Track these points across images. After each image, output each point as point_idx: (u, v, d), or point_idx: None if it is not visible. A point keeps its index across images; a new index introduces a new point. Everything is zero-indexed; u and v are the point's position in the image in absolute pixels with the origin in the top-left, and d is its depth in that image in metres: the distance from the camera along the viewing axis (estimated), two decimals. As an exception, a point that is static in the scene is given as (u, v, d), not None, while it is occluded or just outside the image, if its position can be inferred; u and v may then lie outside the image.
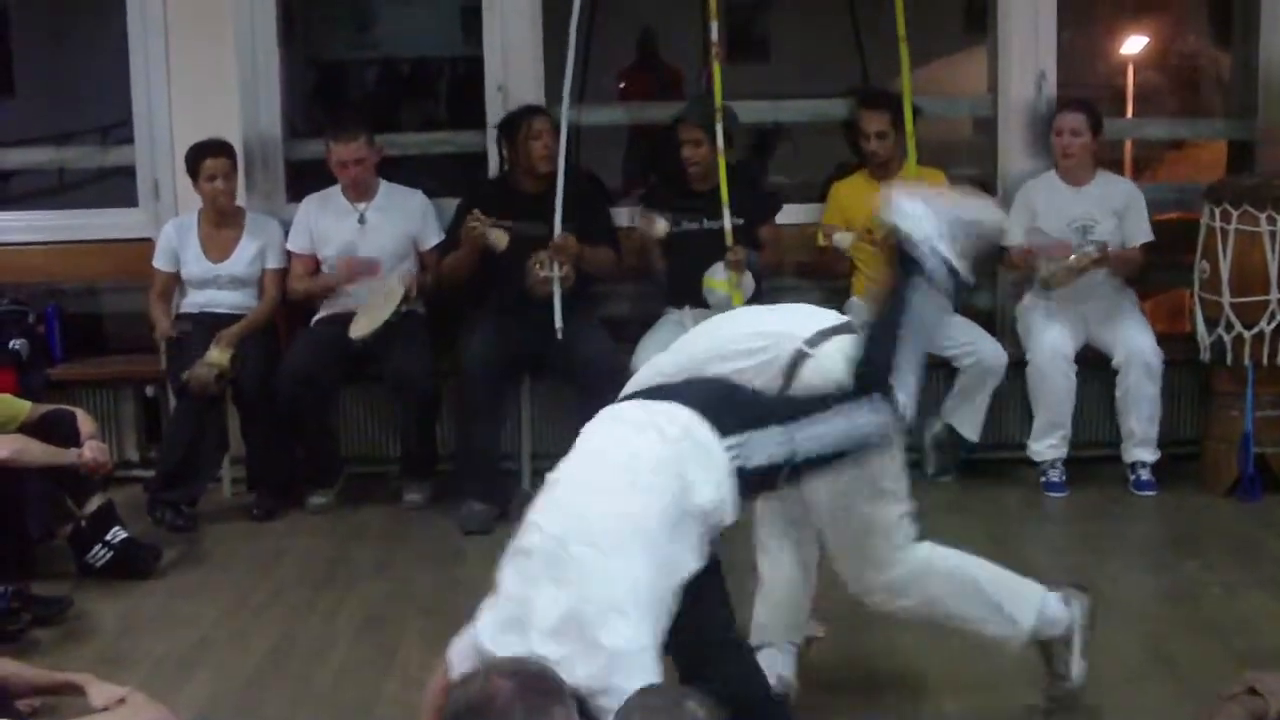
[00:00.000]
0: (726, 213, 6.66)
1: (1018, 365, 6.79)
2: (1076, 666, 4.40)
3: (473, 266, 6.67)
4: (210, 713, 4.62)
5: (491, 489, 6.56)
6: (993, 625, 4.37)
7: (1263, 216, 6.40)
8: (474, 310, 6.86)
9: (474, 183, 7.25)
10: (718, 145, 6.72)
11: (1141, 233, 6.84)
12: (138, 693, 3.70)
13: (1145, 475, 6.67)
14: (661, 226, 6.78)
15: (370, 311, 6.62)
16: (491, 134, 7.08)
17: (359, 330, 6.58)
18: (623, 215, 7.16)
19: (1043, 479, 6.73)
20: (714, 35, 6.83)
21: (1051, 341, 6.64)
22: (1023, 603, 4.37)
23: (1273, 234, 6.39)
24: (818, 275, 7.20)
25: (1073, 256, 6.63)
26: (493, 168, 7.14)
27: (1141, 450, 6.67)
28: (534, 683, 2.58)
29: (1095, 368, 6.79)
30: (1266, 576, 5.64)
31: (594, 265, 6.75)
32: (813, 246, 7.02)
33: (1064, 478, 6.71)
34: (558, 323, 6.42)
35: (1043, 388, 6.67)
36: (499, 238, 6.55)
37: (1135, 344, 6.64)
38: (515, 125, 6.82)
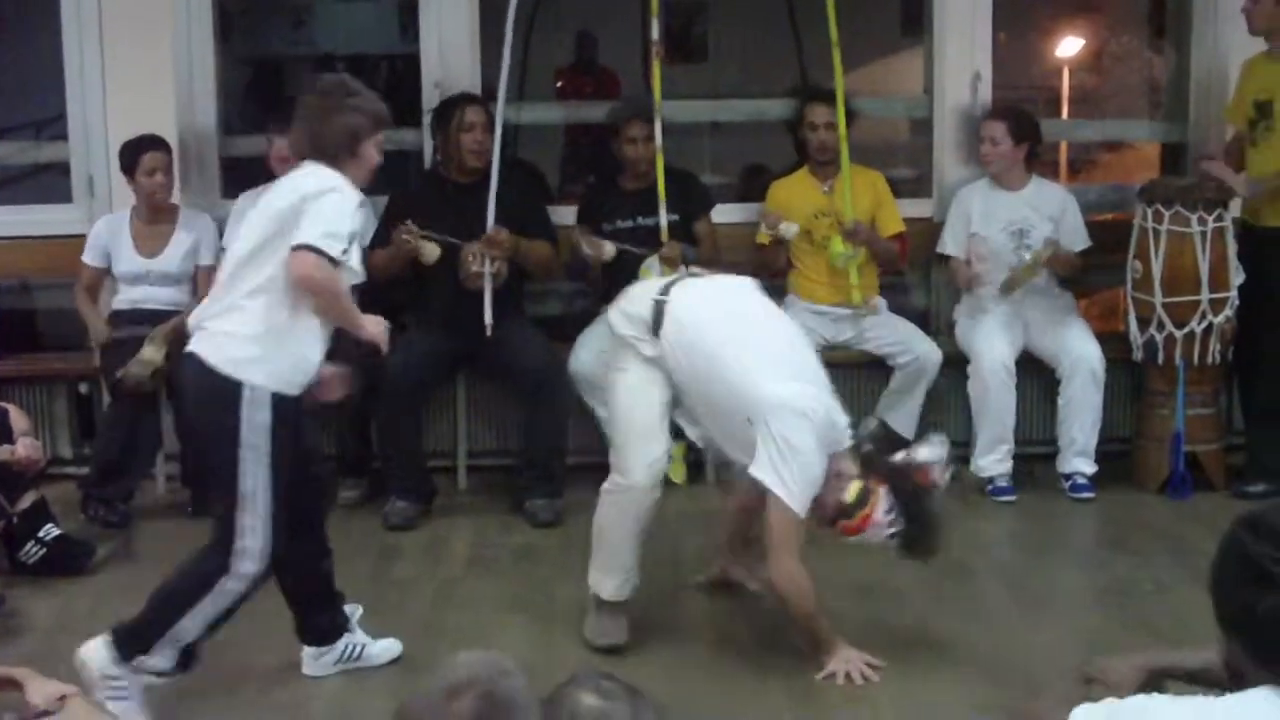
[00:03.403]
0: (663, 209, 6.68)
1: (954, 364, 6.83)
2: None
3: (402, 270, 6.62)
4: (145, 710, 4.59)
5: (416, 487, 6.58)
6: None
7: (1194, 218, 6.46)
8: (410, 309, 6.82)
9: (405, 175, 7.22)
10: (657, 142, 6.74)
11: (1079, 238, 6.89)
12: (78, 698, 3.67)
13: (1082, 480, 6.69)
14: (610, 250, 6.72)
15: None
16: (429, 131, 7.06)
17: None
18: (559, 214, 7.13)
19: (989, 487, 6.73)
20: (655, 34, 6.85)
21: (994, 355, 6.65)
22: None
23: (1203, 235, 6.45)
24: (754, 273, 7.21)
25: (1029, 255, 6.68)
26: (429, 162, 7.11)
27: (1080, 461, 6.70)
28: (499, 712, 2.55)
29: (1034, 370, 6.85)
30: (1197, 572, 5.61)
31: (531, 260, 6.72)
32: (749, 245, 7.04)
33: (1011, 482, 6.72)
34: (487, 318, 6.40)
35: (986, 402, 6.68)
36: (429, 251, 6.44)
37: (1081, 351, 6.68)
38: (448, 114, 6.73)
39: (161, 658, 4.45)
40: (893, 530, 4.76)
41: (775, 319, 5.10)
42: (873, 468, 4.80)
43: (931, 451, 4.84)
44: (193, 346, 4.44)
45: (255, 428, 4.33)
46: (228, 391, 4.32)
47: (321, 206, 4.31)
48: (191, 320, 4.52)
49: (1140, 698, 2.57)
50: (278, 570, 4.62)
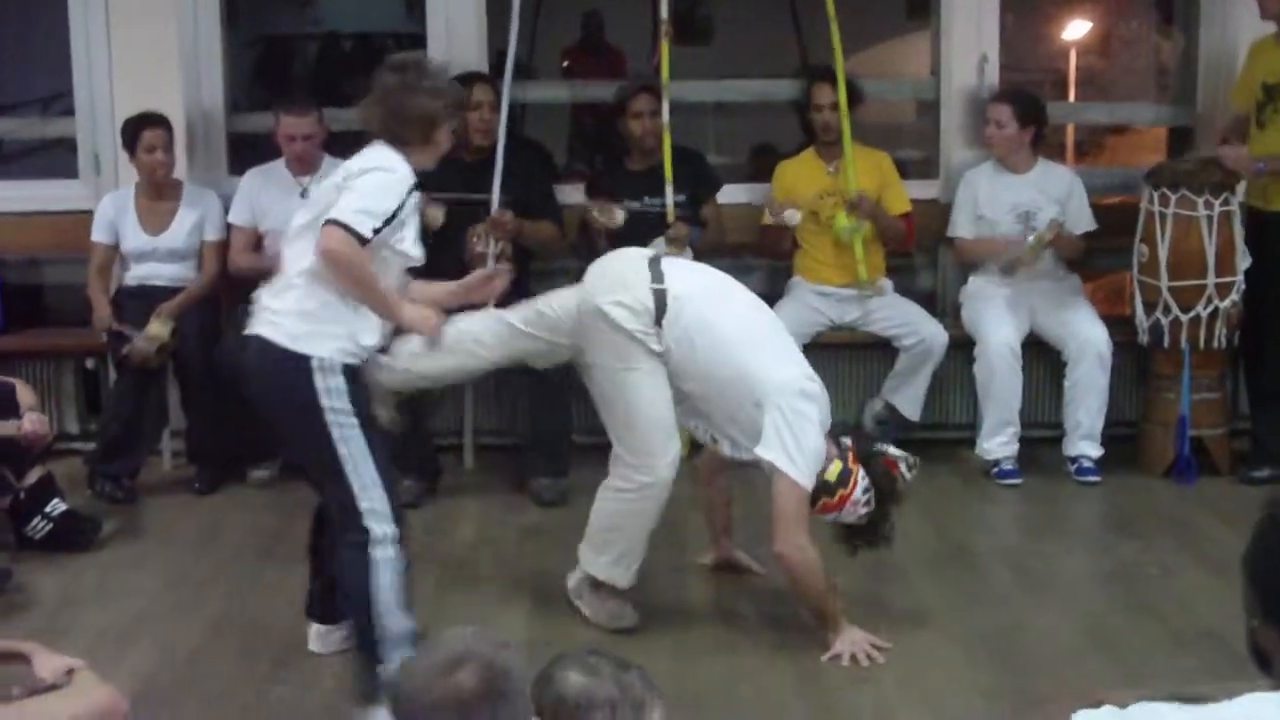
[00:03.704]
0: (669, 189, 6.68)
1: (960, 346, 6.83)
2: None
3: None
4: (152, 685, 4.61)
5: (422, 466, 6.60)
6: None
7: (1200, 201, 6.45)
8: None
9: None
10: (664, 121, 6.74)
11: (1084, 220, 6.89)
12: (85, 671, 3.67)
13: (1088, 464, 6.68)
14: (620, 216, 6.71)
15: None
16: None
17: None
18: (565, 193, 7.13)
19: (994, 470, 6.72)
20: (664, 12, 6.84)
21: (1001, 338, 6.66)
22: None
23: (1210, 218, 6.44)
24: (760, 254, 7.23)
25: (1031, 237, 6.67)
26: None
27: (1086, 444, 6.69)
28: (499, 682, 2.56)
29: (1040, 353, 6.85)
30: (1202, 557, 5.70)
31: (534, 239, 6.73)
32: (754, 226, 7.04)
33: (1016, 465, 6.72)
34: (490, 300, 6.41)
35: (992, 385, 6.67)
36: (433, 215, 6.47)
37: (1088, 334, 6.67)
38: None
39: (401, 658, 4.30)
40: (866, 511, 4.86)
41: (761, 305, 5.17)
42: (851, 450, 4.88)
43: (900, 452, 4.96)
44: (253, 328, 4.37)
45: (333, 393, 4.25)
46: (297, 366, 4.24)
47: (361, 183, 4.25)
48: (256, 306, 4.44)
49: (1146, 704, 2.54)
50: (318, 538, 4.66)
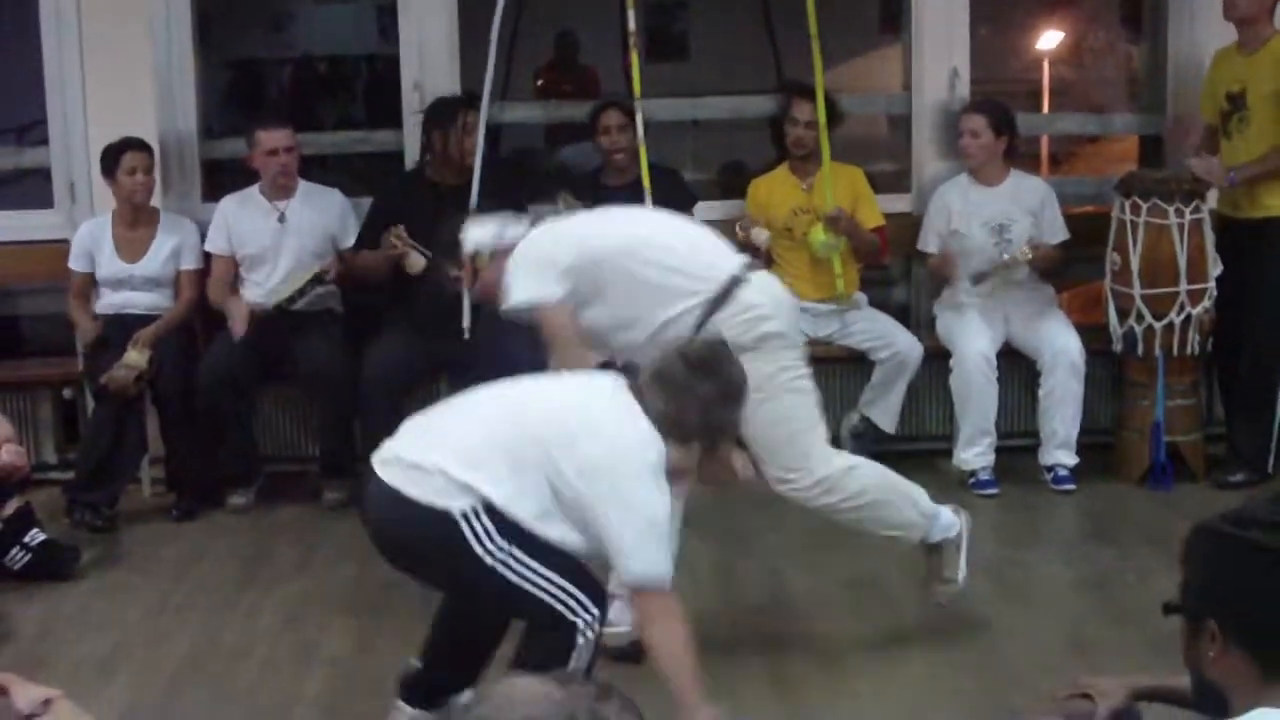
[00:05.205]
0: (649, 201, 6.69)
1: (935, 358, 6.85)
2: (962, 570, 4.96)
3: (386, 274, 6.66)
4: (131, 715, 4.61)
5: None
6: (906, 514, 4.89)
7: (1171, 209, 6.48)
8: (390, 311, 6.83)
9: (388, 176, 7.23)
10: (638, 135, 6.76)
11: (1058, 231, 6.90)
12: (63, 701, 3.67)
13: (1064, 472, 6.70)
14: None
15: (288, 284, 6.67)
16: (407, 132, 7.07)
17: (276, 297, 6.62)
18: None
19: (971, 480, 6.73)
20: (631, 25, 6.85)
21: (976, 349, 6.67)
22: (924, 501, 4.99)
23: (1181, 226, 6.47)
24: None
25: (1006, 255, 6.70)
26: (410, 163, 7.11)
27: (1062, 453, 6.69)
28: None
29: (1015, 363, 6.87)
30: (1179, 563, 5.70)
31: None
32: (729, 241, 7.04)
33: (993, 475, 6.72)
34: (465, 322, 6.40)
35: (968, 395, 6.69)
36: (415, 262, 6.47)
37: (1061, 343, 6.69)
38: (449, 115, 6.73)
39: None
40: None
41: None
42: None
43: None
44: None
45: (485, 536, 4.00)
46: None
47: (629, 505, 3.89)
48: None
49: None
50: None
